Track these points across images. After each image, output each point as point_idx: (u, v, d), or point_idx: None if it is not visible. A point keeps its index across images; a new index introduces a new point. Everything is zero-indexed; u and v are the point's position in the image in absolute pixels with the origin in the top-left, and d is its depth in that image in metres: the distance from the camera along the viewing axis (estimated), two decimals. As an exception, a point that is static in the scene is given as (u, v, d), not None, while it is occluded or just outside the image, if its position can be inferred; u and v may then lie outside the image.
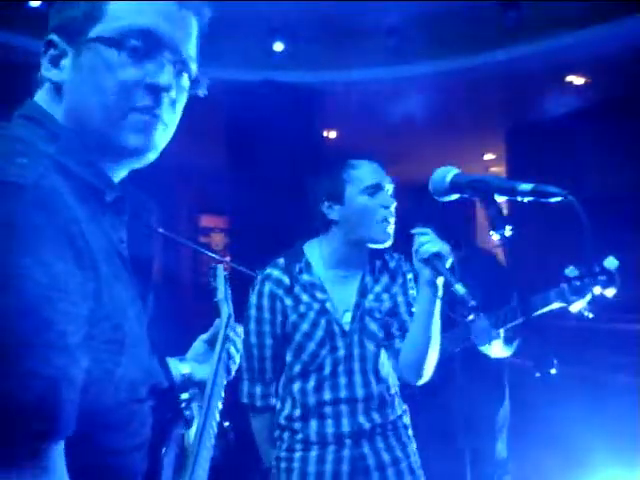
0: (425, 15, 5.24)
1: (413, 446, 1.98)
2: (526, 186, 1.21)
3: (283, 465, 1.93)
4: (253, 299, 1.97)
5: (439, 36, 5.30)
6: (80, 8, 0.89)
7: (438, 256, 1.67)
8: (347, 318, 1.92)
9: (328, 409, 1.88)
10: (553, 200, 1.18)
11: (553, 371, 2.57)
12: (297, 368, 1.92)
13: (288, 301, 1.92)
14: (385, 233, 1.88)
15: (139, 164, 0.96)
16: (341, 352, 1.89)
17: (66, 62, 0.90)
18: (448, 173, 1.36)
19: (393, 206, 1.90)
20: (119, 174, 0.97)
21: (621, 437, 3.11)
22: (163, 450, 0.95)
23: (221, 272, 1.73)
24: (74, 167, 0.86)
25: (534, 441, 3.39)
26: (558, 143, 6.30)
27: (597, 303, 2.09)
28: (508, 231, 1.20)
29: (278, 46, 5.52)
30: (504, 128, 7.33)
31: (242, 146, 5.88)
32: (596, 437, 3.08)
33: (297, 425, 1.92)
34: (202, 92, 1.01)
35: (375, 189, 1.88)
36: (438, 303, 1.78)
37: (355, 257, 1.95)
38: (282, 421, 1.96)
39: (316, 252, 1.98)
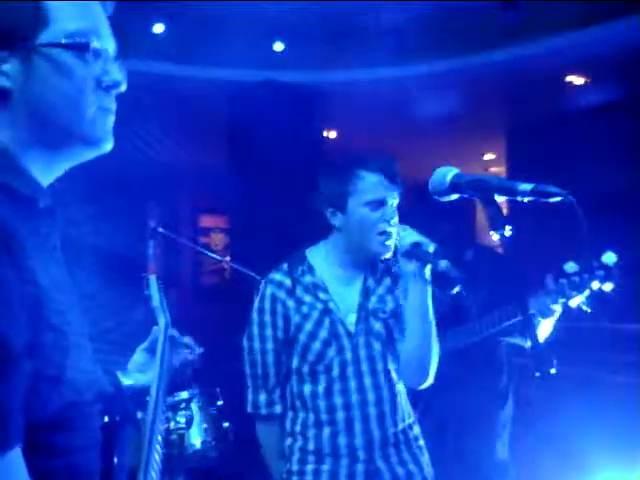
0: (425, 15, 5.25)
1: (425, 457, 1.96)
2: (526, 186, 1.21)
3: (295, 479, 1.90)
4: (256, 303, 1.97)
5: (439, 36, 5.30)
6: (20, 16, 0.90)
7: (418, 245, 1.74)
8: (351, 319, 1.92)
9: (340, 415, 1.87)
10: (553, 200, 1.18)
11: (553, 371, 2.57)
12: (305, 369, 1.91)
13: (290, 303, 1.91)
14: (384, 246, 1.88)
15: (96, 155, 1.00)
16: (348, 354, 1.88)
17: (9, 68, 0.89)
18: (448, 173, 1.36)
19: (394, 220, 1.89)
20: (60, 171, 0.99)
21: (621, 437, 3.11)
22: (115, 451, 0.97)
23: (154, 282, 1.80)
24: (3, 178, 0.87)
25: (534, 441, 3.39)
26: (558, 143, 6.30)
27: (598, 303, 2.11)
28: (508, 231, 1.20)
29: (278, 46, 5.53)
30: (504, 128, 7.33)
31: (242, 146, 5.89)
32: (596, 437, 3.08)
33: (310, 433, 1.89)
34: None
35: (377, 204, 1.87)
36: (429, 298, 1.81)
37: (357, 261, 1.96)
38: (295, 428, 1.93)
39: (319, 256, 1.99)
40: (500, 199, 1.26)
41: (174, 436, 3.00)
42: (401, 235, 1.79)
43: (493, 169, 8.76)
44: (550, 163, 6.14)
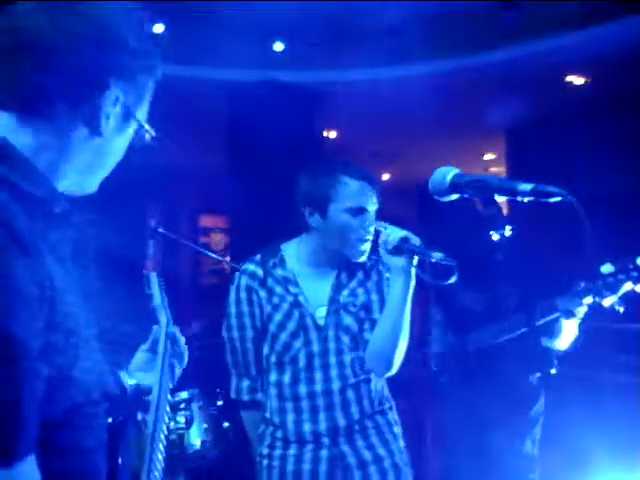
0: (425, 15, 5.25)
1: (399, 443, 1.99)
2: (526, 186, 1.21)
3: (265, 462, 1.96)
4: (232, 295, 2.02)
5: (439, 36, 5.30)
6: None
7: (407, 239, 1.76)
8: (321, 313, 1.95)
9: (305, 403, 1.90)
10: (553, 200, 1.18)
11: (553, 371, 2.58)
12: (273, 359, 1.95)
13: (262, 293, 1.96)
14: (360, 251, 1.93)
15: None
16: (315, 346, 1.92)
17: None
18: (448, 173, 1.36)
19: (372, 227, 1.92)
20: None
21: (622, 437, 3.11)
22: (119, 452, 0.98)
23: (154, 279, 1.79)
24: (21, 183, 0.88)
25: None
26: (558, 143, 6.30)
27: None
28: (508, 231, 1.20)
29: (278, 46, 5.52)
30: (504, 128, 7.33)
31: (242, 146, 5.89)
32: (597, 437, 3.08)
33: (276, 419, 1.94)
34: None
35: (358, 210, 1.90)
36: (410, 295, 1.82)
37: (330, 260, 2.00)
38: (265, 415, 1.98)
39: (293, 250, 2.03)
40: (500, 199, 1.26)
41: (174, 436, 3.01)
42: (386, 232, 1.81)
43: (493, 169, 8.76)
44: (550, 163, 6.14)
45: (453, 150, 6.82)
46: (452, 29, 5.22)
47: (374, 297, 2.00)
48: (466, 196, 1.33)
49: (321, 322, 1.94)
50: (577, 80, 5.86)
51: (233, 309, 2.01)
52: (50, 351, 0.79)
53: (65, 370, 0.82)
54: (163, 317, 1.62)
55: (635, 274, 2.14)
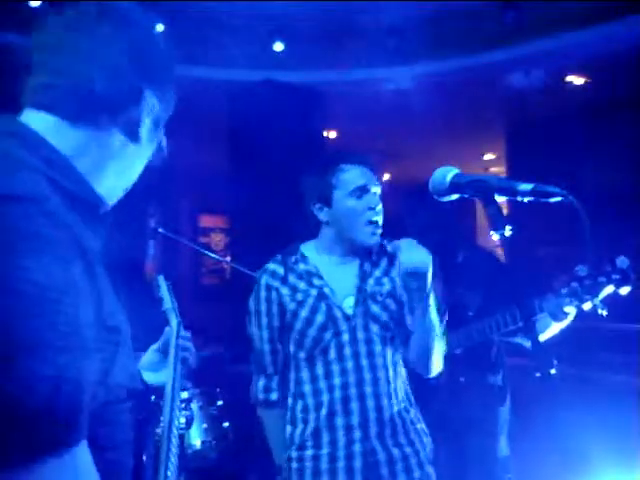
0: (425, 15, 5.25)
1: (425, 440, 1.99)
2: (526, 186, 1.21)
3: (295, 465, 1.93)
4: (253, 294, 2.04)
5: (439, 36, 5.30)
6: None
7: (416, 272, 1.78)
8: (349, 302, 1.95)
9: (338, 393, 1.90)
10: (553, 200, 1.18)
11: (553, 371, 2.58)
12: (302, 355, 1.95)
13: (284, 290, 1.97)
14: (372, 235, 1.95)
15: None
16: (345, 336, 1.92)
17: None
18: (448, 173, 1.36)
19: (379, 207, 1.96)
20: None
21: (622, 437, 3.11)
22: (144, 449, 1.00)
23: (163, 282, 1.82)
24: (68, 184, 0.90)
25: (534, 441, 3.39)
26: (558, 143, 6.30)
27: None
28: (508, 231, 1.20)
29: (278, 46, 5.52)
30: (504, 128, 7.33)
31: (242, 146, 5.88)
32: (596, 437, 3.08)
33: (311, 416, 1.93)
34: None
35: (361, 191, 1.94)
36: (432, 301, 1.85)
37: (348, 250, 2.01)
38: (296, 415, 1.96)
39: (312, 247, 2.05)
40: (500, 199, 1.27)
41: (174, 436, 3.01)
42: (403, 256, 1.80)
43: (493, 169, 8.76)
44: (550, 163, 6.14)
45: (453, 150, 6.82)
46: (452, 29, 5.22)
47: (398, 283, 1.99)
48: (466, 196, 1.33)
49: (349, 311, 1.94)
50: (577, 80, 5.86)
51: (252, 307, 2.03)
52: (97, 345, 0.80)
53: (107, 365, 0.84)
54: (174, 320, 1.65)
55: (617, 277, 2.06)
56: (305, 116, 5.82)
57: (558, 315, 2.22)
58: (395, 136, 6.65)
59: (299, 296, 1.95)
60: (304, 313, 1.93)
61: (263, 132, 5.38)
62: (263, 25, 5.33)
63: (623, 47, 4.79)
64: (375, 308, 1.95)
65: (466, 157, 7.83)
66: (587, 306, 2.12)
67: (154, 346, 1.52)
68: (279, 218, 5.16)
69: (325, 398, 1.91)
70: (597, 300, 2.08)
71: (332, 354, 1.91)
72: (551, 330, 2.30)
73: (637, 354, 3.91)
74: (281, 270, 2.00)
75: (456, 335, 2.50)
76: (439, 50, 5.37)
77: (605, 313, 2.07)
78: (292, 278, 1.98)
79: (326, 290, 1.96)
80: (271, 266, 2.02)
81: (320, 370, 1.92)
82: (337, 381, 1.91)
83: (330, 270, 2.00)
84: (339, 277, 1.99)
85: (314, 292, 1.95)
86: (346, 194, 1.94)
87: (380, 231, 1.96)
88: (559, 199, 1.17)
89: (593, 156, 5.99)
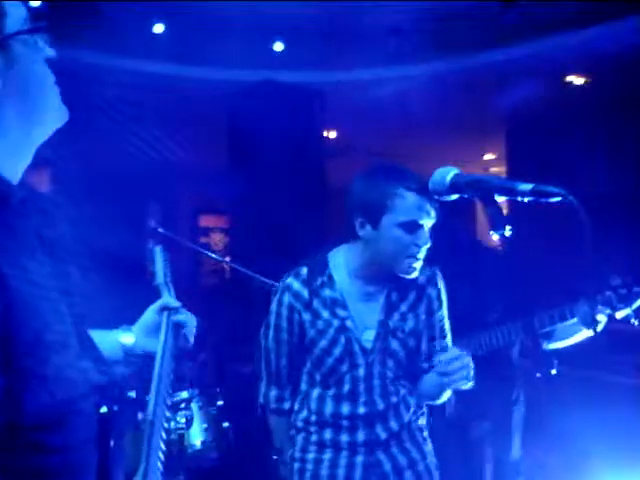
0: (425, 15, 5.24)
1: (429, 446, 1.98)
2: (526, 186, 1.21)
3: (297, 465, 1.94)
4: (274, 306, 1.96)
5: (439, 36, 5.30)
6: None
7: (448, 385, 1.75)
8: (369, 336, 1.88)
9: (345, 422, 1.89)
10: (553, 200, 1.18)
11: (553, 371, 2.58)
12: (317, 377, 1.93)
13: (306, 316, 1.89)
14: (410, 268, 1.83)
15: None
16: (361, 371, 1.88)
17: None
18: (448, 173, 1.36)
19: (427, 245, 1.82)
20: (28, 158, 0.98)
21: (623, 437, 3.11)
22: (112, 442, 0.98)
23: (159, 254, 1.64)
24: None
25: (536, 442, 3.39)
26: (558, 143, 6.29)
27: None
28: (508, 231, 1.20)
29: (278, 46, 5.53)
30: (504, 128, 7.32)
31: (242, 146, 5.89)
32: (598, 437, 3.08)
33: (312, 429, 1.93)
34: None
35: (412, 226, 1.79)
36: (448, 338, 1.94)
37: (380, 274, 1.89)
38: (298, 423, 1.96)
39: (341, 261, 1.92)
40: (500, 199, 1.26)
41: (174, 436, 3.00)
42: (443, 379, 1.72)
43: (493, 169, 8.75)
44: (550, 163, 6.13)
45: (453, 150, 6.81)
46: (452, 29, 5.22)
47: (423, 318, 1.93)
48: (466, 196, 1.33)
49: (368, 345, 1.88)
50: (577, 80, 5.86)
51: (273, 321, 1.95)
52: (11, 352, 0.78)
53: (40, 368, 0.81)
54: (166, 295, 1.54)
55: None
56: (305, 116, 5.82)
57: (589, 322, 2.21)
58: (395, 136, 6.64)
59: (320, 324, 1.88)
60: (323, 343, 1.88)
61: (263, 132, 5.38)
62: (263, 25, 5.32)
63: (623, 47, 4.78)
64: (394, 344, 1.89)
65: (466, 157, 7.82)
66: (620, 315, 2.13)
67: (153, 306, 1.43)
68: (279, 218, 5.16)
69: (329, 420, 1.90)
70: (630, 309, 2.11)
71: (346, 387, 1.88)
72: (580, 336, 2.31)
73: (637, 354, 3.90)
74: (305, 293, 1.89)
75: (477, 339, 2.50)
76: (439, 50, 5.37)
77: (637, 323, 2.10)
78: (316, 303, 1.88)
79: (348, 323, 1.87)
80: (295, 285, 1.91)
81: (331, 393, 1.90)
82: (345, 410, 1.89)
83: (356, 299, 1.90)
84: (364, 308, 1.90)
85: (336, 323, 1.87)
86: (396, 223, 1.78)
87: (420, 264, 1.84)
88: (559, 199, 1.17)
89: (593, 156, 5.98)
